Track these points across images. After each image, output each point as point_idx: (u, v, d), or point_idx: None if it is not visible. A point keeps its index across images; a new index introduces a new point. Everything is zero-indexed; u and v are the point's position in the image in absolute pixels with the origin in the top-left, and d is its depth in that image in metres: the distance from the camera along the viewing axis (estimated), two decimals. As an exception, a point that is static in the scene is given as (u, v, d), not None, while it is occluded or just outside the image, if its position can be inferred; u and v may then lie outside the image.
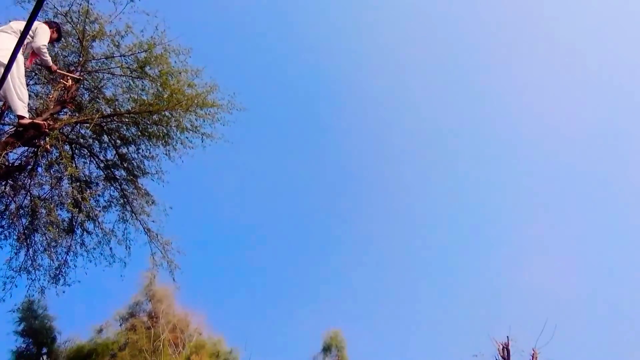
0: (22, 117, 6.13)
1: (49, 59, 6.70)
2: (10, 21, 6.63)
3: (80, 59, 8.59)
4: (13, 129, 6.82)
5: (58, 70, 7.24)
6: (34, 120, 6.32)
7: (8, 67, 3.76)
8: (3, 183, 7.25)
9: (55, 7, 8.31)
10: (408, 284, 35.53)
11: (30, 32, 6.57)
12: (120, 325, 16.21)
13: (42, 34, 6.67)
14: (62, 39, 7.82)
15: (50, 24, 7.11)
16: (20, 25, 6.49)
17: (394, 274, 36.63)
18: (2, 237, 8.04)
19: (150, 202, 9.43)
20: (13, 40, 6.39)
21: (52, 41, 7.18)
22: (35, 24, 6.72)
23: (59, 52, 8.57)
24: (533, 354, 12.87)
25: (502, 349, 13.08)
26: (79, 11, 8.42)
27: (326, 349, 16.85)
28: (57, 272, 8.51)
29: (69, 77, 7.55)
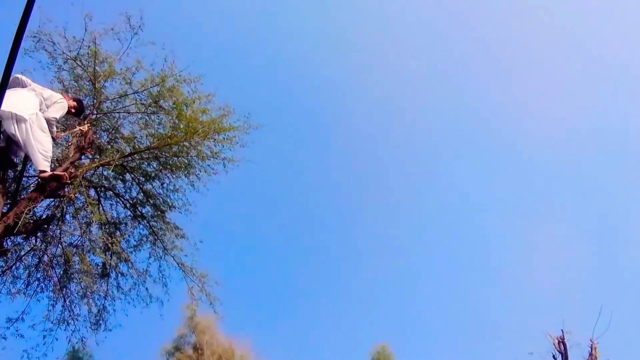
0: (43, 171, 6.04)
1: (54, 131, 6.64)
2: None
3: (95, 101, 8.54)
4: (35, 183, 6.75)
5: (59, 137, 7.21)
6: (55, 172, 6.22)
7: None
8: (33, 238, 7.19)
9: (64, 52, 8.29)
10: (455, 288, 34.79)
11: (48, 101, 6.54)
12: (167, 360, 16.20)
13: (57, 109, 6.62)
14: (82, 114, 7.68)
15: (74, 99, 7.20)
16: (42, 90, 6.52)
17: (438, 279, 35.93)
18: (39, 290, 8.00)
19: (180, 236, 9.30)
20: (29, 97, 6.34)
21: (71, 114, 7.21)
22: (57, 95, 6.77)
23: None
24: (592, 345, 12.18)
25: (558, 344, 12.43)
26: (87, 53, 8.37)
27: (374, 364, 16.48)
28: (97, 318, 8.43)
29: (80, 128, 7.49)
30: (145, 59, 8.72)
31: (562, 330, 12.48)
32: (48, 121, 6.35)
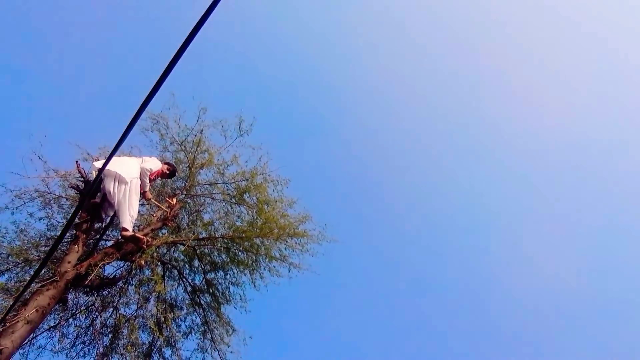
0: (126, 230, 6.29)
1: (147, 183, 7.15)
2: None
3: (186, 184, 9.08)
4: (114, 241, 7.00)
5: (150, 199, 7.59)
6: (136, 234, 6.45)
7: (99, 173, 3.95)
8: (95, 295, 7.27)
9: (173, 136, 9.12)
10: None
11: (144, 160, 7.22)
12: None
13: (152, 162, 7.33)
14: (173, 177, 8.36)
15: (167, 163, 7.88)
16: (147, 162, 7.17)
17: None
18: (82, 354, 7.85)
19: (231, 331, 9.00)
20: (132, 163, 6.96)
21: (162, 177, 7.84)
22: (154, 158, 7.54)
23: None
24: None
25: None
26: (192, 141, 9.13)
27: None
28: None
29: (165, 205, 7.92)
30: (242, 156, 9.36)
31: None
32: (143, 170, 6.85)
